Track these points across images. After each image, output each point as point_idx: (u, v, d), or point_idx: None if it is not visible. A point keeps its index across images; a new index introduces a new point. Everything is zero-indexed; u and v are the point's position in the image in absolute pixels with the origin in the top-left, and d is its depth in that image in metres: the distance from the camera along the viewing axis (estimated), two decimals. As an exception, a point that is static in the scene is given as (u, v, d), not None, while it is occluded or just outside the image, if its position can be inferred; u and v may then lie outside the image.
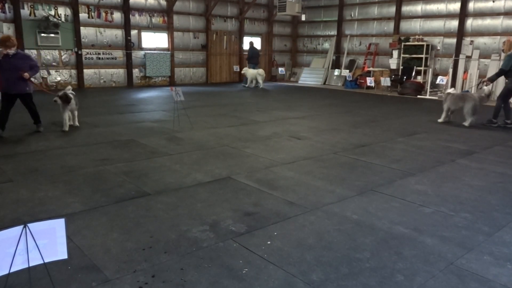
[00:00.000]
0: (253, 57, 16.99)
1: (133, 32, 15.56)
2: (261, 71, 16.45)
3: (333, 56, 19.21)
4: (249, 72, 16.47)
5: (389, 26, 17.27)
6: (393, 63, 16.49)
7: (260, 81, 16.37)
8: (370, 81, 14.45)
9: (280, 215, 3.79)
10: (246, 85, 16.68)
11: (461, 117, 9.01)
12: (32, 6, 13.13)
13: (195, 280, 2.70)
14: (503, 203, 4.23)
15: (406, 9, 16.67)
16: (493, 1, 14.21)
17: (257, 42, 19.76)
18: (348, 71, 17.23)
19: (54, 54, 13.87)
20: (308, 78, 19.40)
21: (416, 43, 15.75)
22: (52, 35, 13.54)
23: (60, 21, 13.65)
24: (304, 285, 2.67)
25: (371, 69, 17.21)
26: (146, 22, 15.88)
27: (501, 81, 13.74)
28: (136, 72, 15.89)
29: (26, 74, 6.73)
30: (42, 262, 2.16)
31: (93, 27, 14.59)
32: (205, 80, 18.17)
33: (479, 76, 14.14)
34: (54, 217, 3.56)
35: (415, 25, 16.41)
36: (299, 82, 19.62)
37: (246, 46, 19.15)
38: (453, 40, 15.21)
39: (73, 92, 7.61)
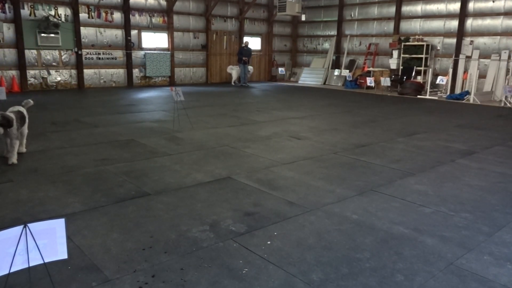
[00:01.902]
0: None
1: (133, 32, 15.56)
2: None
3: (333, 56, 19.21)
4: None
5: (389, 26, 17.27)
6: (393, 63, 16.49)
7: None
8: (370, 81, 14.45)
9: (280, 215, 3.79)
10: (244, 83, 17.29)
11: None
12: (32, 6, 13.13)
13: (195, 280, 2.70)
14: (503, 203, 4.23)
15: (406, 9, 16.67)
16: (493, 1, 14.21)
17: (257, 42, 19.81)
18: (348, 71, 17.23)
19: (54, 54, 13.87)
20: (308, 78, 19.40)
21: (416, 43, 15.74)
22: (52, 35, 13.54)
23: (60, 21, 13.65)
24: (304, 285, 2.67)
25: (371, 69, 17.21)
26: (146, 22, 15.88)
27: (501, 81, 13.74)
28: (136, 72, 15.89)
29: None
30: (42, 262, 2.16)
31: (93, 27, 14.59)
32: (205, 80, 18.17)
33: (479, 76, 14.14)
34: (54, 217, 3.56)
35: (415, 25, 16.41)
36: (299, 82, 19.62)
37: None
38: (453, 40, 15.21)
39: (20, 109, 5.53)
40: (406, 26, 16.70)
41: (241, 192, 4.39)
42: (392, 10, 17.07)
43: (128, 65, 15.53)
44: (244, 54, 17.12)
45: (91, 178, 4.76)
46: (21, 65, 13.11)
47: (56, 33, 13.59)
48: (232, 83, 17.59)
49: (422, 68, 15.57)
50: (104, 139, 6.73)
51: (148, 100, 11.96)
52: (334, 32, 19.40)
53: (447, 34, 15.51)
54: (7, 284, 2.51)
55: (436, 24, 15.79)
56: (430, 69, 15.30)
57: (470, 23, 14.86)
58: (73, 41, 14.09)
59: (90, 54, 14.66)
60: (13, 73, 13.06)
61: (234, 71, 17.66)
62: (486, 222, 3.73)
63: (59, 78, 14.09)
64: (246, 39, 18.40)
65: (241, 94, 14.34)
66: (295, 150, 6.29)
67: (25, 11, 13.03)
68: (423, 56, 15.45)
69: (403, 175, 5.11)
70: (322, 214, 3.83)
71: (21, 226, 2.08)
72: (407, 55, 15.93)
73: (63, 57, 14.06)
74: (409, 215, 3.87)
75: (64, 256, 2.24)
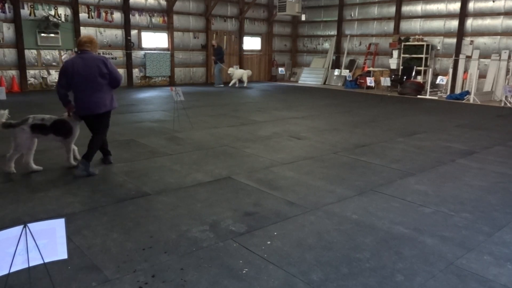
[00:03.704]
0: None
1: (133, 32, 15.55)
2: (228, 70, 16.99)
3: (333, 56, 19.20)
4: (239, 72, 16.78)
5: (389, 26, 17.26)
6: (393, 63, 16.48)
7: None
8: (370, 81, 14.45)
9: (280, 215, 3.79)
10: (230, 85, 16.65)
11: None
12: (32, 6, 13.12)
13: (195, 280, 2.70)
14: (503, 203, 4.23)
15: (406, 9, 16.66)
16: (493, 1, 14.21)
17: (257, 42, 19.80)
18: (348, 71, 17.22)
19: (54, 54, 13.86)
20: (308, 78, 19.39)
21: (416, 43, 15.73)
22: (52, 35, 13.52)
23: (60, 21, 13.64)
24: (304, 285, 2.67)
25: (371, 69, 17.20)
26: (146, 22, 15.87)
27: (501, 81, 13.75)
28: (136, 72, 15.88)
29: None
30: (42, 262, 2.16)
31: (93, 27, 14.58)
32: (205, 80, 18.16)
33: (479, 76, 14.13)
34: (54, 217, 3.56)
35: (415, 25, 16.40)
36: (299, 82, 19.62)
37: (246, 46, 19.15)
38: (453, 40, 15.20)
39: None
40: (406, 26, 16.69)
41: (241, 192, 4.39)
42: (392, 10, 17.06)
43: (128, 65, 15.52)
44: (214, 54, 16.69)
45: (91, 178, 4.76)
46: (21, 65, 13.10)
47: (56, 33, 13.58)
48: (229, 85, 16.75)
49: (422, 68, 15.56)
50: (104, 139, 6.72)
51: (148, 100, 11.96)
52: (334, 32, 19.39)
53: (447, 34, 15.51)
54: (7, 284, 2.51)
55: (436, 24, 15.79)
56: (430, 69, 15.29)
57: (470, 23, 14.85)
58: (73, 41, 14.07)
59: (90, 54, 14.63)
60: (13, 73, 13.05)
61: (233, 73, 16.82)
62: (486, 222, 3.73)
63: (59, 78, 14.07)
64: (248, 39, 18.12)
65: (241, 94, 14.33)
66: (295, 150, 6.29)
67: (25, 11, 13.02)
68: (423, 56, 15.44)
69: (403, 175, 5.11)
70: (322, 214, 3.83)
71: (21, 226, 2.08)
72: (407, 55, 15.92)
73: (63, 57, 14.05)
74: (409, 215, 3.87)
75: (64, 256, 2.24)
